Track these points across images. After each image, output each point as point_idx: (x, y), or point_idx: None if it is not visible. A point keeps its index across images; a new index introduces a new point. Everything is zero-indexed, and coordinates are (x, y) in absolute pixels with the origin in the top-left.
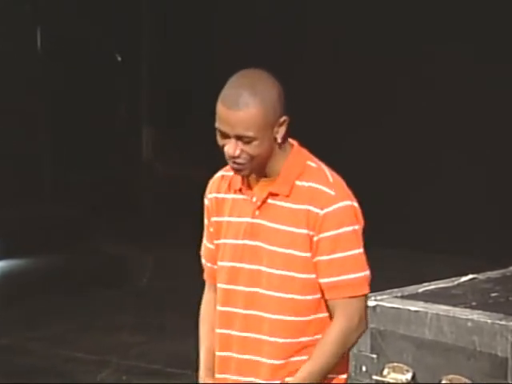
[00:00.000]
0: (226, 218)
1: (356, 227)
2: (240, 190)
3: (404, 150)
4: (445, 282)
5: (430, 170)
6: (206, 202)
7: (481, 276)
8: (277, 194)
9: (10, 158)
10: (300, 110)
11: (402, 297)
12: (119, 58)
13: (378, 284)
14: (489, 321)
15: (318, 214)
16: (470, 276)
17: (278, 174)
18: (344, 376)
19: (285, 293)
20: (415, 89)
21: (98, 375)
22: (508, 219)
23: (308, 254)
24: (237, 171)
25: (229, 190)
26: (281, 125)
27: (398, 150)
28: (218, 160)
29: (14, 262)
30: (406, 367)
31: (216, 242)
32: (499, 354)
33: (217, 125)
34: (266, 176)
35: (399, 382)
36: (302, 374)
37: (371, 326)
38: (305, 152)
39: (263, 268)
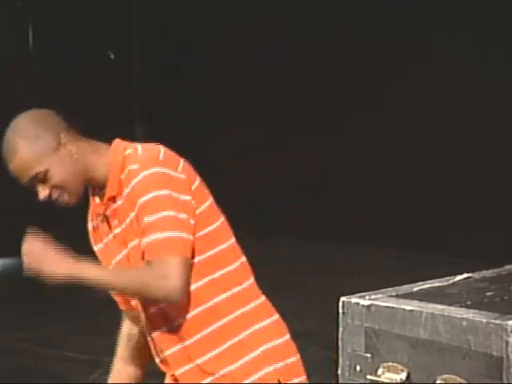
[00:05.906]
0: (98, 247)
1: (164, 192)
2: (95, 212)
3: (403, 151)
4: (439, 281)
5: (431, 170)
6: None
7: (476, 275)
8: (114, 197)
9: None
10: (302, 107)
11: (397, 296)
12: (112, 56)
13: (377, 284)
14: (484, 320)
15: (128, 192)
16: (465, 275)
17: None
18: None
19: None
20: (418, 87)
21: (91, 376)
22: (510, 220)
23: None
24: (66, 205)
25: (92, 217)
26: (64, 144)
27: (398, 151)
28: (211, 159)
29: (5, 261)
30: (400, 367)
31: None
32: (494, 353)
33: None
34: (104, 188)
35: (394, 381)
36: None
37: (366, 325)
38: (122, 144)
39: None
